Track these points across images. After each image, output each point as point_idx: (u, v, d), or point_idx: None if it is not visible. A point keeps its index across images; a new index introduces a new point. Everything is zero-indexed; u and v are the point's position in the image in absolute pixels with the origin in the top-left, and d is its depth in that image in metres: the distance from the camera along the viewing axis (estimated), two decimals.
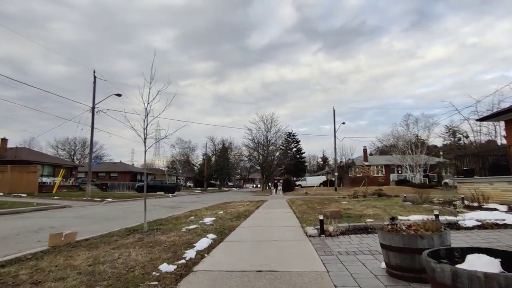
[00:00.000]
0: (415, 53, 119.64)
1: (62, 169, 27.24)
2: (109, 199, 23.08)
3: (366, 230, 6.22)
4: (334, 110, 38.36)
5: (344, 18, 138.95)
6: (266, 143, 50.18)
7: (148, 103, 6.84)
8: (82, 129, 25.25)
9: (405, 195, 13.84)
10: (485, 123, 21.97)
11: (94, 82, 25.43)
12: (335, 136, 37.80)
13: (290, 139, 65.60)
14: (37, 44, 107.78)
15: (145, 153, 6.92)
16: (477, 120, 19.37)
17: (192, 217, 9.58)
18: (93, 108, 25.14)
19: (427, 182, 40.50)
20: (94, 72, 25.48)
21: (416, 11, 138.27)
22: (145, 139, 6.74)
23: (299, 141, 67.17)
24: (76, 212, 14.29)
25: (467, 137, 21.47)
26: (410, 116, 42.57)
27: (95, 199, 23.06)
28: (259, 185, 75.70)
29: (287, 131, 59.02)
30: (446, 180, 42.26)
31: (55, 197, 24.03)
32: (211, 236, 5.61)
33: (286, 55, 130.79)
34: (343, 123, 38.33)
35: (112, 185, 45.21)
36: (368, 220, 7.35)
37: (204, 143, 69.43)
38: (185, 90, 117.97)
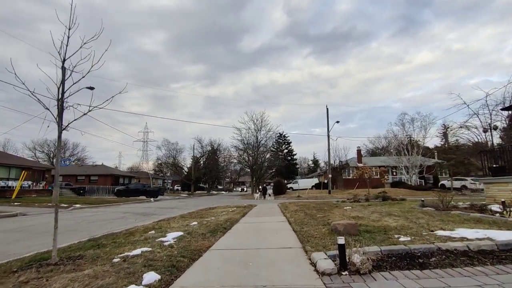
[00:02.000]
0: (403, 58, 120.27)
1: (24, 172, 23.96)
2: (77, 205, 20.41)
3: (412, 259, 3.79)
4: (327, 109, 36.54)
5: (334, 23, 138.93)
6: (256, 144, 47.46)
7: (64, 59, 4.37)
8: (48, 126, 22.43)
9: (422, 199, 11.56)
10: (504, 113, 19.89)
11: (63, 73, 22.84)
12: (328, 136, 35.77)
13: (281, 140, 63.21)
14: (23, 44, 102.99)
15: (59, 137, 4.41)
16: (501, 109, 17.46)
17: (153, 232, 7.06)
18: (62, 101, 22.38)
19: (423, 184, 38.80)
20: (63, 61, 22.86)
21: (403, 17, 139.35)
22: (59, 112, 4.24)
23: (290, 142, 64.79)
24: (20, 223, 11.54)
25: (495, 128, 19.45)
26: (405, 116, 40.73)
27: (62, 205, 20.32)
28: (245, 189, 72.78)
29: (278, 132, 56.61)
30: (443, 182, 40.62)
31: (15, 203, 21.10)
32: (148, 278, 3.09)
33: (277, 59, 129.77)
34: (337, 121, 36.51)
35: (91, 189, 41.88)
36: (401, 238, 4.95)
37: (192, 144, 66.54)
38: (176, 93, 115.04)
